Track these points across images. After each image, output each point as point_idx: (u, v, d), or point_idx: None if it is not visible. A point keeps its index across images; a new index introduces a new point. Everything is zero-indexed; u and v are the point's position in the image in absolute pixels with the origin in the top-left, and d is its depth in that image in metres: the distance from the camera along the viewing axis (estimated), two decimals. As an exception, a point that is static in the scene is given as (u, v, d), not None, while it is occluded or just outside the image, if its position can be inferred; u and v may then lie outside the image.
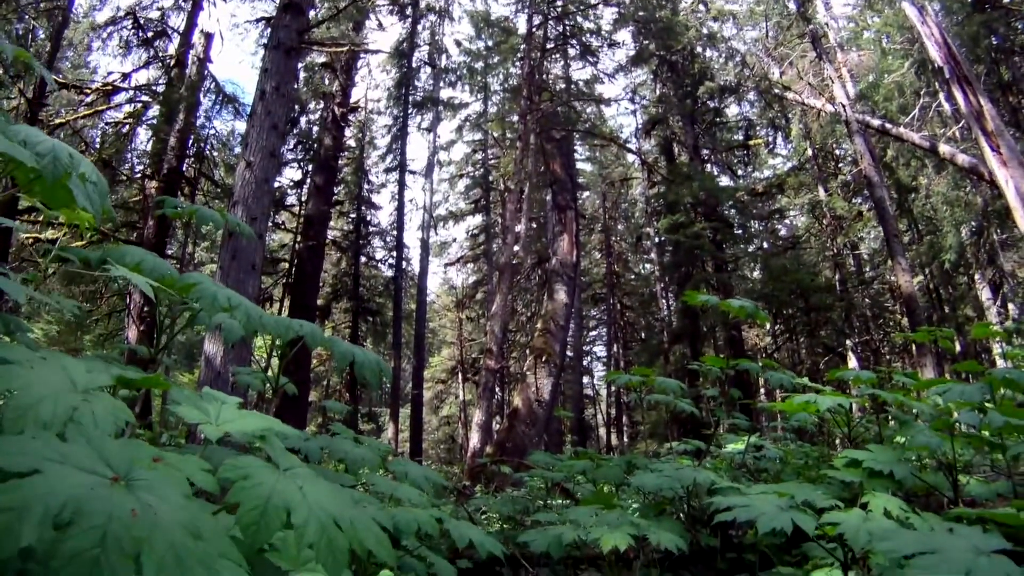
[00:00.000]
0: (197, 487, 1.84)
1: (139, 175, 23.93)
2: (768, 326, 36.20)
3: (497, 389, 35.59)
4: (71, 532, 1.36)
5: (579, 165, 39.99)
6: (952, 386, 4.59)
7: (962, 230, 29.77)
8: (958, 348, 31.24)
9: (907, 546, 2.58)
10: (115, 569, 1.34)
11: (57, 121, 22.17)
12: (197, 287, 3.10)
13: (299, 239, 27.93)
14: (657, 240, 37.08)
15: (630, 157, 45.57)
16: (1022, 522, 2.54)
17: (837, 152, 36.84)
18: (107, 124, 24.67)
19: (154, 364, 3.28)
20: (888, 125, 25.34)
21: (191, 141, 24.48)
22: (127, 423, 1.92)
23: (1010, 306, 29.42)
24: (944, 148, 22.31)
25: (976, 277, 32.28)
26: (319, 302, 31.77)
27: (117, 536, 1.39)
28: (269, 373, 4.43)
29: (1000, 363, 26.21)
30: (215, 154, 26.32)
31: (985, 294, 31.46)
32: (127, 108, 24.11)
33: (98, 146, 23.86)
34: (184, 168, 23.99)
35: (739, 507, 3.55)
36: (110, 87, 23.15)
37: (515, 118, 27.23)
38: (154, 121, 23.07)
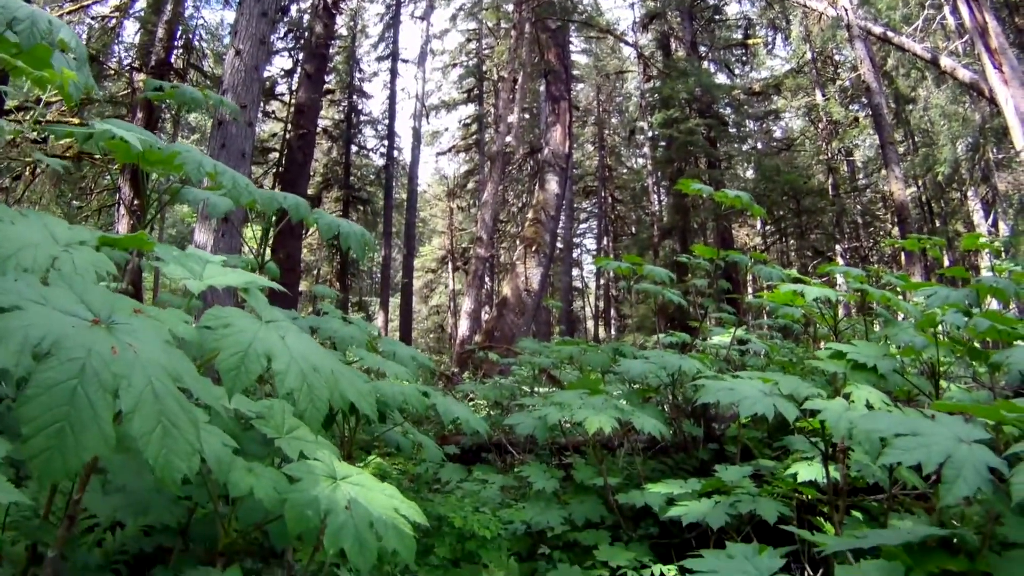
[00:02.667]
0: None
1: (127, 68, 23.51)
2: (759, 226, 36.31)
3: (487, 279, 35.83)
4: (50, 363, 1.36)
5: (574, 57, 39.42)
6: (938, 289, 4.57)
7: (958, 145, 29.64)
8: (946, 262, 31.33)
9: (888, 428, 2.59)
10: (93, 400, 1.34)
11: (43, 19, 21.63)
12: (182, 155, 3.05)
13: (289, 128, 27.60)
14: (650, 135, 36.83)
15: (626, 51, 45.17)
16: (1003, 418, 2.53)
17: (837, 58, 36.42)
18: (93, 19, 24.14)
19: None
20: (890, 33, 24.91)
21: (179, 32, 24.16)
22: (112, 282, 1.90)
23: (1001, 225, 29.41)
24: (946, 61, 22.03)
25: (969, 194, 32.28)
26: (310, 191, 31.67)
27: (96, 370, 1.39)
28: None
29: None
30: (204, 45, 26.04)
31: (977, 212, 31.50)
32: (113, 1, 23.68)
33: (85, 41, 23.41)
34: (172, 60, 23.66)
35: (723, 390, 3.56)
36: (96, -20, 22.65)
37: (510, 7, 26.80)
38: (141, 13, 22.69)
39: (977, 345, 4.27)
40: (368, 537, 1.99)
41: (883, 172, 29.43)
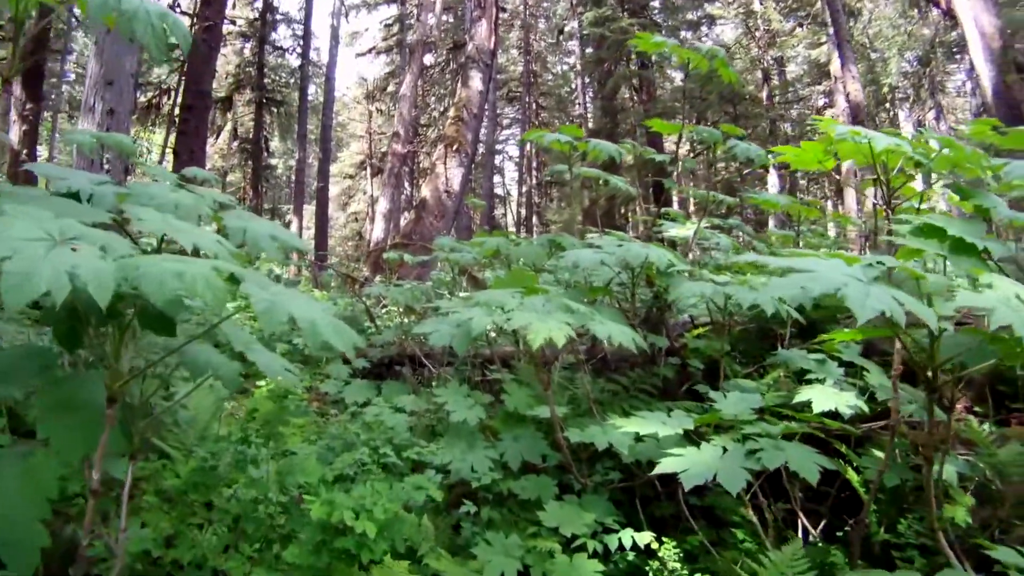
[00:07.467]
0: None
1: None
2: (683, 128, 35.70)
3: (406, 183, 35.02)
4: None
5: (502, -46, 38.12)
6: (1013, 161, 3.14)
7: (905, 57, 29.51)
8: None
9: None
10: None
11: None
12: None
13: (195, 21, 25.98)
14: (580, 35, 36.02)
15: (556, -53, 44.20)
16: None
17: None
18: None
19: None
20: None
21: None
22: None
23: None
24: (902, -34, 21.26)
25: (900, 115, 32.31)
26: (221, 93, 31.05)
27: None
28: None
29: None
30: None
31: (907, 130, 31.58)
32: None
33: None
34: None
35: (805, 274, 2.05)
36: None
37: None
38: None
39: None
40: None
41: (820, 86, 29.20)
